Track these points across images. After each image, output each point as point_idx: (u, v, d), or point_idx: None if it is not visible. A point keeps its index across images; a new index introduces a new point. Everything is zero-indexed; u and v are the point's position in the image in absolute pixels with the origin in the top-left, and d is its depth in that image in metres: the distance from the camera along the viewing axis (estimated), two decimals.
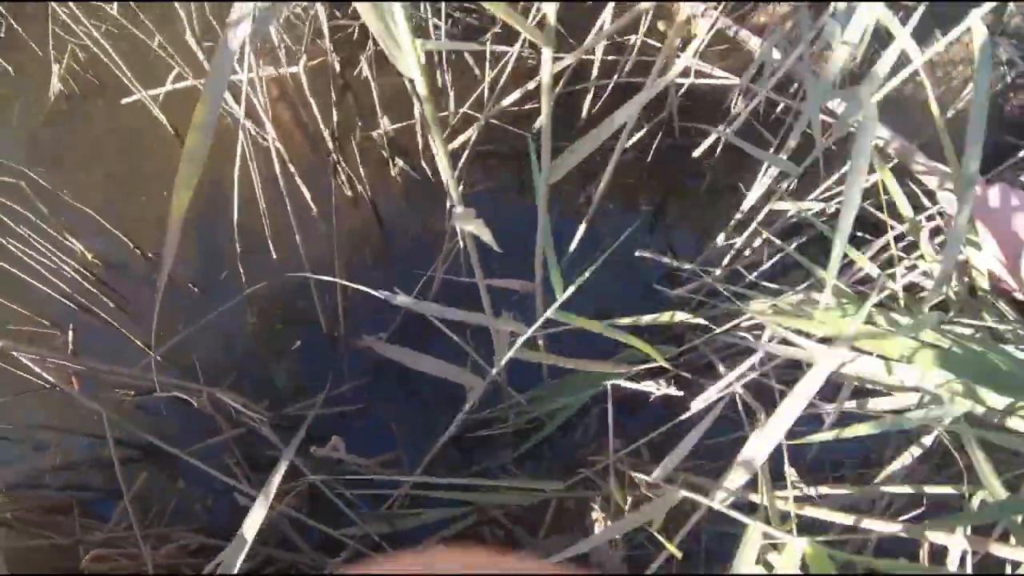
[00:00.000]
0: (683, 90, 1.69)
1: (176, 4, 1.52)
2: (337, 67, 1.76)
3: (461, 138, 1.62)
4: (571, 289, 0.79)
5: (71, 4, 1.60)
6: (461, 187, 1.39)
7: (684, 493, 0.75)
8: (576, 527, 1.28)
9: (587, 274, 0.79)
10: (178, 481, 1.37)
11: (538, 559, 0.31)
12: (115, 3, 1.84)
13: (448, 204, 1.34)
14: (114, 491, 1.34)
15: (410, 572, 0.26)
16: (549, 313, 0.82)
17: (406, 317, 1.46)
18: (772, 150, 1.41)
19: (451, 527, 1.27)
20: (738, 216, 1.35)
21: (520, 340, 0.89)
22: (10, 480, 1.36)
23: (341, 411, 1.40)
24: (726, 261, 1.41)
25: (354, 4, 0.54)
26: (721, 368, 1.22)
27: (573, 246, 1.47)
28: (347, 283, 1.13)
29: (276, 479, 0.85)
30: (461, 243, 1.38)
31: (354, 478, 1.19)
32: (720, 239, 1.43)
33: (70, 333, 1.49)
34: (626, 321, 1.05)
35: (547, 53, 0.59)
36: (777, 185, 1.25)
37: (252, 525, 0.82)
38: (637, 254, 1.44)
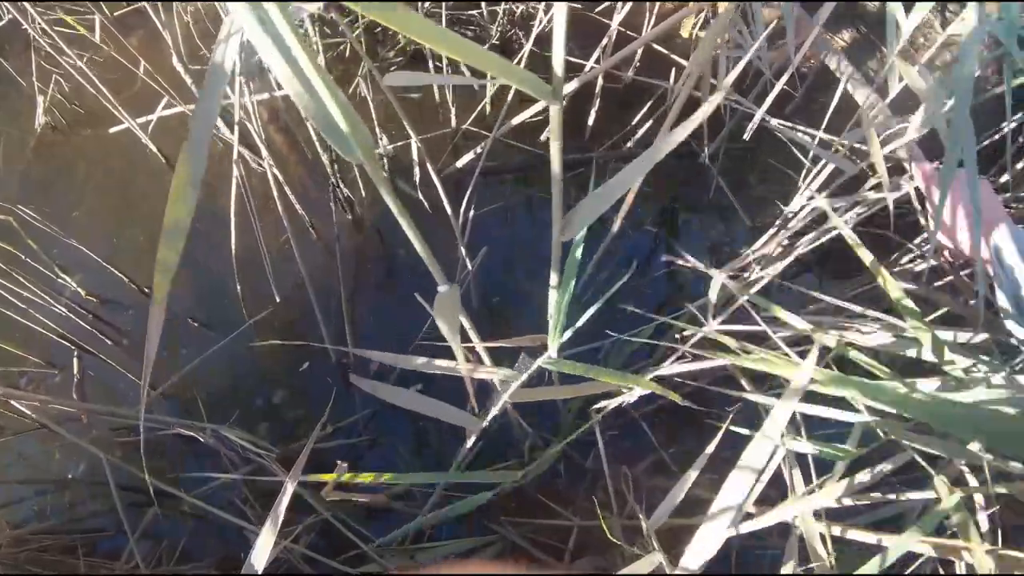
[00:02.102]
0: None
1: (161, 28, 1.49)
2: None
3: (466, 157, 1.57)
4: (565, 336, 0.75)
5: (53, 34, 1.56)
6: (469, 209, 1.35)
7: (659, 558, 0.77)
8: (600, 552, 1.23)
9: (580, 322, 0.76)
10: (188, 519, 1.32)
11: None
12: (97, 31, 1.80)
13: (457, 222, 1.30)
14: (124, 530, 1.29)
15: None
16: (540, 363, 0.79)
17: (416, 348, 1.42)
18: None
19: (476, 556, 1.22)
20: (781, 217, 1.31)
21: (513, 387, 0.85)
22: (16, 521, 1.32)
23: (351, 443, 1.35)
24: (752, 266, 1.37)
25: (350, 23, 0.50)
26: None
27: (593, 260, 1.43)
28: (351, 349, 1.08)
29: (282, 506, 0.81)
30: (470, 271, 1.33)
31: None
32: (744, 245, 1.39)
33: (75, 369, 1.44)
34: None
35: (555, 113, 0.54)
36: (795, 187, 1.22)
37: (260, 555, 0.78)
38: (664, 258, 1.40)
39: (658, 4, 1.57)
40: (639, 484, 1.32)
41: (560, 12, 0.49)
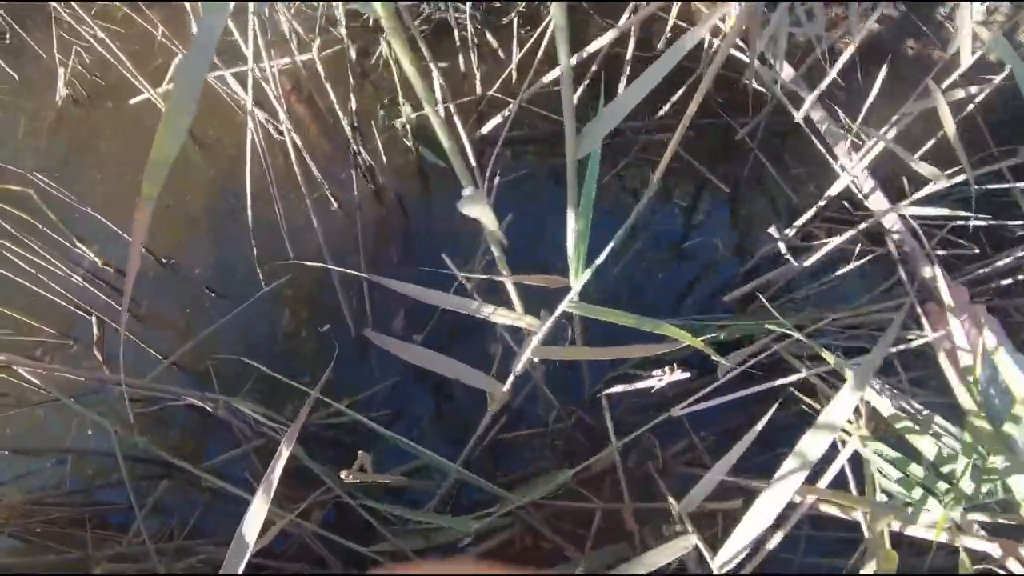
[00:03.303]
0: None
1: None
2: (353, 55, 1.68)
3: (491, 123, 1.52)
4: (587, 274, 0.69)
5: (75, 4, 1.53)
6: (494, 176, 1.30)
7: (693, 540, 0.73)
8: (622, 539, 1.17)
9: (602, 257, 0.70)
10: (202, 492, 1.28)
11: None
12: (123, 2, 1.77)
13: (482, 189, 1.24)
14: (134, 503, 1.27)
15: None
16: (563, 306, 0.73)
17: (442, 314, 1.37)
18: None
19: (489, 540, 1.17)
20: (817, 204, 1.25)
21: (536, 338, 0.79)
22: (27, 493, 1.30)
23: (372, 416, 1.31)
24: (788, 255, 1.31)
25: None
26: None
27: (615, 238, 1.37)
28: (369, 276, 1.03)
29: (278, 469, 0.76)
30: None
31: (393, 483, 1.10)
32: (776, 231, 1.33)
33: (95, 331, 1.41)
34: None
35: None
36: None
37: (252, 523, 0.73)
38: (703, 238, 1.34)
39: None
40: (668, 469, 1.26)
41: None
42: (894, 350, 0.88)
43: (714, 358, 0.80)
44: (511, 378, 0.89)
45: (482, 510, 1.10)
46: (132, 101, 1.71)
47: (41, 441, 1.36)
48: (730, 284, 1.42)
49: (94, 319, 1.41)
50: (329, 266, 1.13)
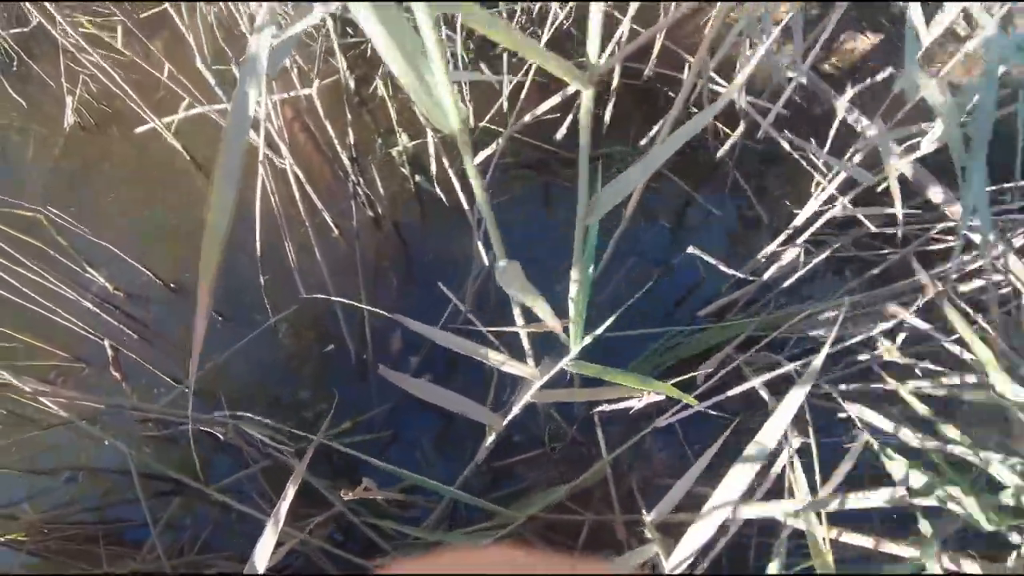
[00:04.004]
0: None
1: (184, 31, 1.51)
2: (351, 85, 1.74)
3: (484, 153, 1.59)
4: (587, 339, 0.77)
5: (78, 37, 1.59)
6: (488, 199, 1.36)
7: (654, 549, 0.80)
8: (611, 548, 1.24)
9: (601, 329, 0.77)
10: (213, 508, 1.35)
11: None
12: (119, 35, 1.83)
13: (474, 218, 1.32)
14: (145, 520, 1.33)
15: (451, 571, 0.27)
16: (562, 364, 0.81)
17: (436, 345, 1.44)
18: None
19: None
20: (792, 226, 1.32)
21: (534, 388, 0.87)
22: (43, 512, 1.35)
23: (372, 438, 1.37)
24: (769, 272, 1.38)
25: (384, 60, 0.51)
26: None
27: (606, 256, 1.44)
28: (370, 308, 1.10)
29: (287, 501, 0.83)
30: (486, 263, 1.35)
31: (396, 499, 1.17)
32: (748, 248, 1.40)
33: (109, 355, 1.47)
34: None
35: (586, 98, 0.55)
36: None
37: (264, 550, 0.80)
38: (690, 250, 1.41)
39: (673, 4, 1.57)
40: (654, 482, 1.33)
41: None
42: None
43: (684, 398, 0.86)
44: (510, 416, 0.96)
45: (478, 523, 1.17)
46: (138, 130, 1.76)
47: (52, 461, 1.41)
48: (711, 298, 1.49)
49: (107, 343, 1.47)
50: (333, 298, 1.19)
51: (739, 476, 0.73)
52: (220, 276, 0.52)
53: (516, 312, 0.85)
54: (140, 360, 1.46)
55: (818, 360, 0.78)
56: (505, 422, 0.99)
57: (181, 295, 1.57)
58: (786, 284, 1.31)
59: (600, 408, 1.23)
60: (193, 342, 0.56)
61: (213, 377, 1.42)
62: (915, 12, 0.96)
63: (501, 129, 1.56)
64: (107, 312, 1.52)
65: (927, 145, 0.99)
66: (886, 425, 1.00)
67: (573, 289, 0.78)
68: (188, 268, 1.60)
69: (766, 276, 1.36)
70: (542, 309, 0.74)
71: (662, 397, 0.97)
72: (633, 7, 1.36)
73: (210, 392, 1.43)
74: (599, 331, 0.76)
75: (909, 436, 0.98)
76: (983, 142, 0.83)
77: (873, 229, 1.29)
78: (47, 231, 1.52)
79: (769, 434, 0.73)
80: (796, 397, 0.74)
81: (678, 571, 0.76)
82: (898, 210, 1.05)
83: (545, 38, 1.53)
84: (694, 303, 1.50)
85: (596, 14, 0.51)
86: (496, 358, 0.93)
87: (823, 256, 1.24)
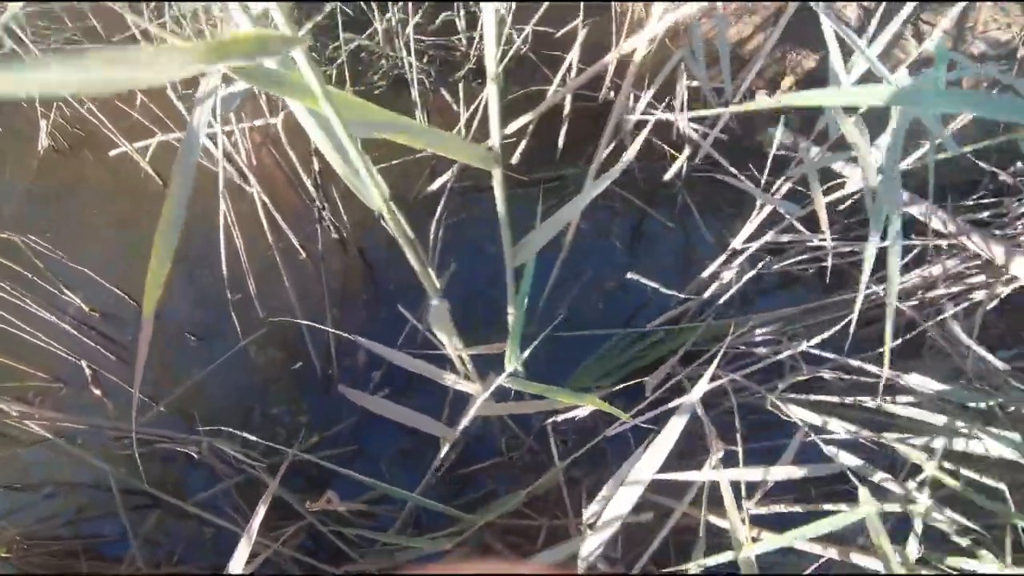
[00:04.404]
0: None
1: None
2: None
3: (440, 180, 1.67)
4: (522, 356, 0.88)
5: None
6: (439, 230, 1.45)
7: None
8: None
9: (533, 344, 0.88)
10: (188, 522, 1.41)
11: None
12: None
13: (428, 243, 1.40)
14: (126, 535, 1.38)
15: None
16: (500, 380, 0.90)
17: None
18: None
19: (449, 557, 1.31)
20: (733, 246, 1.41)
21: (478, 402, 0.95)
22: (24, 527, 1.41)
23: (337, 452, 1.44)
24: (710, 289, 1.47)
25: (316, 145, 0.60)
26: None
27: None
28: (335, 331, 1.18)
29: (259, 515, 0.91)
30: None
31: (362, 510, 1.24)
32: (697, 266, 1.49)
33: (88, 377, 1.53)
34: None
35: (497, 175, 0.65)
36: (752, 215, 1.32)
37: (239, 561, 0.89)
38: (629, 276, 1.50)
39: (625, 27, 1.66)
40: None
41: (493, 94, 0.59)
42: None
43: (616, 413, 0.95)
44: (460, 427, 1.05)
45: (441, 530, 1.25)
46: (112, 153, 1.82)
47: (31, 478, 1.47)
48: (662, 308, 1.59)
49: (84, 364, 1.53)
50: (300, 321, 1.26)
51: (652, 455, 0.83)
52: (192, 298, 0.60)
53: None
54: (117, 380, 1.53)
55: (702, 383, 0.88)
56: (456, 434, 1.07)
57: (156, 317, 1.62)
58: (723, 300, 1.40)
59: (551, 419, 1.31)
60: (138, 352, 0.64)
61: (188, 396, 1.49)
62: (835, 55, 1.05)
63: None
64: (84, 333, 1.57)
65: (852, 184, 1.08)
66: (818, 420, 1.11)
67: (510, 320, 0.87)
68: (161, 290, 1.65)
69: (707, 294, 1.45)
70: (455, 346, 0.82)
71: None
72: (579, 42, 1.45)
73: (185, 411, 1.49)
74: (525, 354, 0.86)
75: (839, 427, 1.09)
76: (893, 186, 0.92)
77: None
78: (24, 254, 1.57)
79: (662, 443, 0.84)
80: (687, 406, 0.84)
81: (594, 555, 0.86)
82: (827, 239, 1.13)
83: (502, 65, 1.62)
84: (649, 315, 1.58)
85: (493, 103, 0.60)
86: (445, 376, 1.02)
87: (749, 275, 1.33)
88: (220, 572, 1.33)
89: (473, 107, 1.63)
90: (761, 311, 1.46)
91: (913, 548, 0.93)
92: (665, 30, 0.83)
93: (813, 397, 1.24)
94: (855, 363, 1.20)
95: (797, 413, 1.13)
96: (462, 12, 1.90)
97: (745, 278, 1.31)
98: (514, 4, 1.68)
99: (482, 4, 0.52)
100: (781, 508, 1.04)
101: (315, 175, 1.70)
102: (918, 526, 0.94)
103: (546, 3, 1.62)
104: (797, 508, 1.04)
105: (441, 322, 0.81)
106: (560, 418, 1.30)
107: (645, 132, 1.16)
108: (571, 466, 1.21)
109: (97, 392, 1.51)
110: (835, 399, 1.22)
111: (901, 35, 1.68)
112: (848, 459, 1.01)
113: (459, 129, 1.69)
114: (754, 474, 0.99)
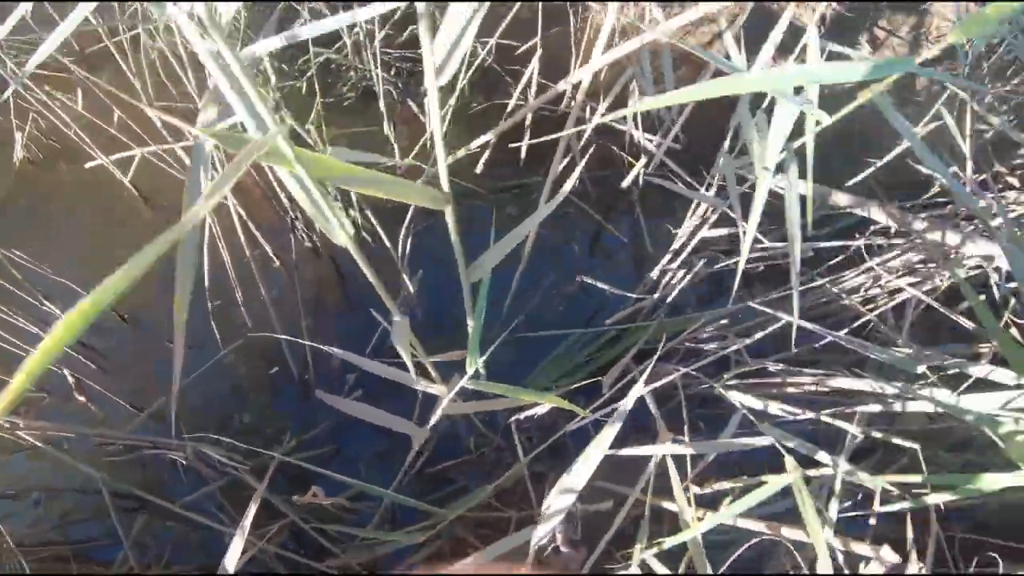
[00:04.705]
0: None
1: (130, 74, 1.63)
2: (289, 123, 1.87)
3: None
4: (481, 360, 0.98)
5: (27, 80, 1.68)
6: (407, 239, 1.53)
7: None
8: None
9: (490, 350, 0.99)
10: (175, 525, 1.47)
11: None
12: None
13: (398, 256, 1.48)
14: (115, 538, 1.43)
15: None
16: (463, 382, 1.01)
17: (373, 354, 1.59)
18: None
19: (424, 549, 1.39)
20: (674, 246, 1.50)
21: (444, 401, 1.04)
22: (15, 534, 1.46)
23: (317, 453, 1.52)
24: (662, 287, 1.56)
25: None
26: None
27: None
28: (308, 343, 1.26)
29: (250, 515, 1.00)
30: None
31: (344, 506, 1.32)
32: (653, 268, 1.58)
33: (72, 385, 1.58)
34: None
35: (449, 213, 0.74)
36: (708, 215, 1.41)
37: (232, 558, 0.99)
38: (579, 279, 1.59)
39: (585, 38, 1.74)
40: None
41: (439, 140, 0.68)
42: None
43: (574, 409, 1.04)
44: (428, 426, 1.13)
45: (416, 524, 1.34)
46: (87, 165, 1.85)
47: (17, 485, 1.52)
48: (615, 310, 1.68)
49: (67, 373, 1.58)
50: (276, 335, 1.34)
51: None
52: (168, 304, 0.68)
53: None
54: (100, 388, 1.58)
55: (646, 374, 0.98)
56: (427, 432, 1.17)
57: (134, 325, 1.69)
58: (671, 299, 1.50)
59: (515, 418, 1.40)
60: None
61: (168, 399, 1.54)
62: (744, 116, 1.14)
63: (425, 166, 1.71)
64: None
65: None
66: (759, 405, 1.21)
67: (470, 330, 0.96)
68: (139, 299, 1.70)
69: (659, 295, 1.55)
70: (409, 360, 0.94)
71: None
72: (537, 56, 1.53)
73: (168, 417, 1.54)
74: (482, 359, 0.98)
75: (778, 408, 1.19)
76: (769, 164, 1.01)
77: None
78: (3, 266, 1.62)
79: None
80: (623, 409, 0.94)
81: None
82: (749, 234, 1.21)
83: (467, 77, 1.70)
84: (607, 318, 1.67)
85: (439, 143, 0.69)
86: (411, 380, 1.12)
87: (695, 271, 1.43)
88: (209, 572, 1.40)
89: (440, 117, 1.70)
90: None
91: (834, 508, 1.03)
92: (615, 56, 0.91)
93: (755, 381, 1.34)
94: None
95: (738, 398, 1.24)
96: None
97: (688, 276, 1.41)
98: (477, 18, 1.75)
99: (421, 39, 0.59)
100: (725, 484, 1.14)
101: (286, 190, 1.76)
102: (837, 485, 1.06)
103: (510, 16, 1.69)
104: (738, 484, 1.14)
105: (400, 337, 0.90)
106: (523, 415, 1.39)
107: (590, 148, 1.24)
108: (535, 461, 1.28)
109: (82, 399, 1.56)
110: (777, 380, 1.33)
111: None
112: (781, 435, 1.11)
113: (424, 141, 1.76)
114: (694, 448, 1.10)
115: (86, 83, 1.88)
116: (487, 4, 0.58)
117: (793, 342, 1.18)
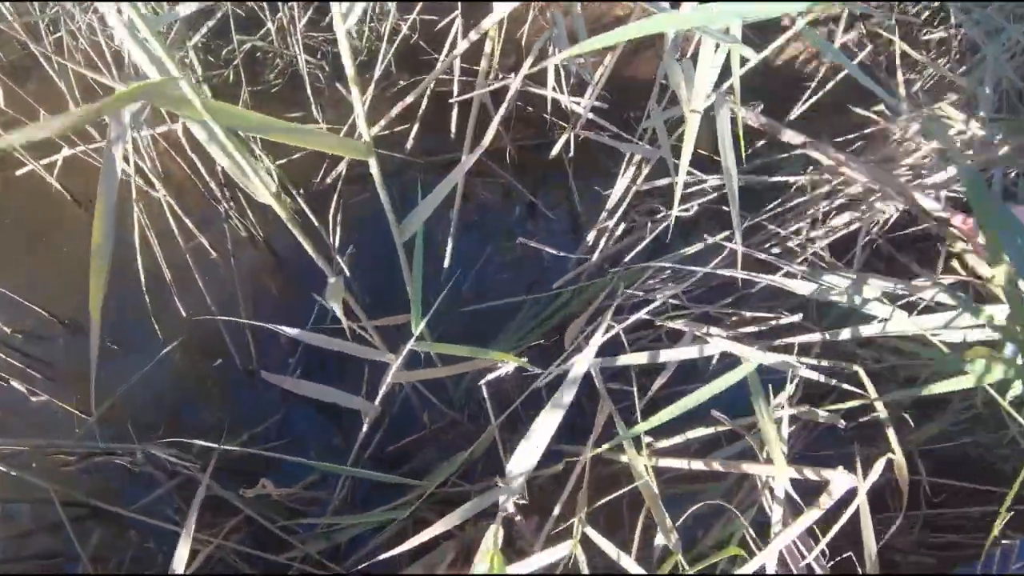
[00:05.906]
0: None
1: (54, 75, 1.60)
2: None
3: (336, 170, 1.72)
4: (423, 323, 0.97)
5: None
6: (337, 214, 1.51)
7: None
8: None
9: (432, 308, 1.00)
10: (130, 532, 1.45)
11: None
12: None
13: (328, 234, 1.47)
14: (72, 553, 1.41)
15: None
16: (409, 346, 0.99)
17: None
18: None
19: (384, 532, 1.38)
20: (608, 205, 1.49)
21: (391, 370, 1.03)
22: None
23: (269, 447, 1.49)
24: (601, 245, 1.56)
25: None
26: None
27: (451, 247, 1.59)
28: (250, 322, 1.24)
29: (194, 513, 0.98)
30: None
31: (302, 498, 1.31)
32: (593, 227, 1.58)
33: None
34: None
35: (373, 164, 0.72)
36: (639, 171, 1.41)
37: (180, 560, 0.96)
38: (519, 241, 1.58)
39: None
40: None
41: (356, 93, 0.67)
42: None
43: (529, 367, 1.03)
44: (378, 398, 1.12)
45: (375, 508, 1.33)
46: (18, 172, 1.81)
47: None
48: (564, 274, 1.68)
49: (16, 384, 1.54)
50: (218, 317, 1.32)
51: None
52: (109, 307, 0.65)
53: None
54: (48, 397, 1.55)
55: (597, 337, 0.98)
56: (376, 407, 1.15)
57: (76, 330, 1.65)
58: (621, 255, 1.50)
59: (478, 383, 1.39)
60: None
61: (117, 406, 1.51)
62: (671, 62, 1.12)
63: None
64: (8, 355, 1.58)
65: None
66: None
67: (409, 290, 0.98)
68: (80, 304, 1.67)
69: (598, 253, 1.55)
70: (344, 319, 0.95)
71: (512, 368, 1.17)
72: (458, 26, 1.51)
73: (117, 421, 1.52)
74: (425, 319, 0.97)
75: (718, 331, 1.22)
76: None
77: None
78: None
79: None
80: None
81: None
82: (680, 179, 1.20)
83: (391, 51, 1.67)
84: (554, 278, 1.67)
85: (358, 102, 0.68)
86: (356, 349, 1.10)
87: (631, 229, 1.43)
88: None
89: (363, 98, 1.67)
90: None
91: (784, 397, 1.06)
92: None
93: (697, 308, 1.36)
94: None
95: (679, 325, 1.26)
96: None
97: (629, 230, 1.40)
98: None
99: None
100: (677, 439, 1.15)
101: (220, 176, 1.72)
102: (790, 377, 1.08)
103: None
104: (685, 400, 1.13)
105: (335, 297, 0.89)
106: (482, 382, 1.36)
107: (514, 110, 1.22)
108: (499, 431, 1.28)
109: (38, 399, 1.53)
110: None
111: None
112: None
113: (353, 120, 1.73)
114: (646, 357, 1.12)
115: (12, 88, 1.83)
116: None
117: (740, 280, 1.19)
